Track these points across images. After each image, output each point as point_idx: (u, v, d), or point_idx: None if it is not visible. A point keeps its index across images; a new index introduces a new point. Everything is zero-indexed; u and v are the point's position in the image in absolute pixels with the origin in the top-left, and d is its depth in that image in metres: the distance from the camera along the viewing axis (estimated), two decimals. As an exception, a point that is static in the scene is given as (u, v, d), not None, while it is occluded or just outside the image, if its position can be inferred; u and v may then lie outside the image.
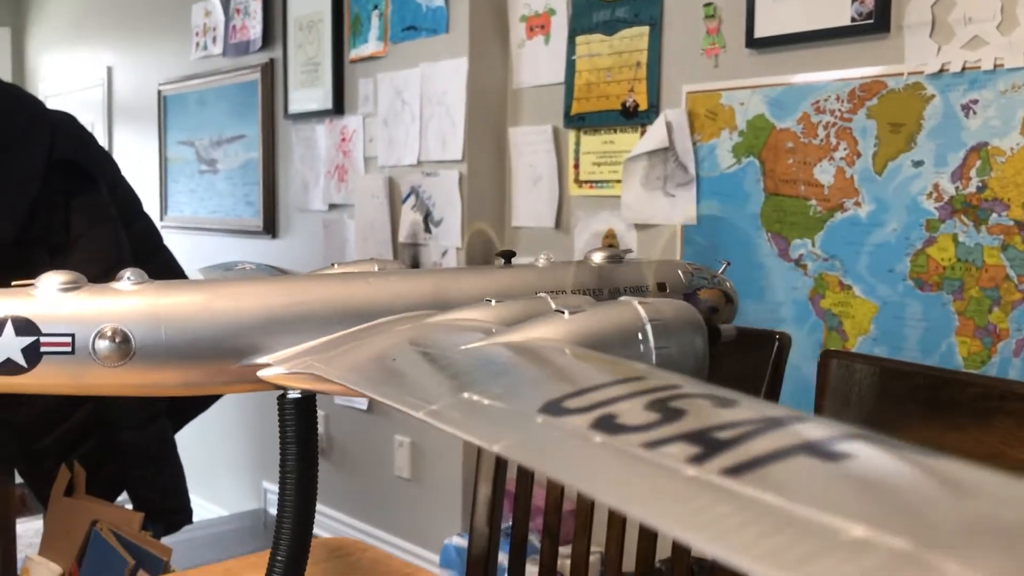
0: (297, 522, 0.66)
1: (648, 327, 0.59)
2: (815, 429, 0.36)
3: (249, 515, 4.01)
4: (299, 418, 0.65)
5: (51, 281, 0.63)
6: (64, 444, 2.20)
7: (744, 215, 2.42)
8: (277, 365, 0.61)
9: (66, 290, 0.63)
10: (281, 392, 0.65)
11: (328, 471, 3.56)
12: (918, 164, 2.10)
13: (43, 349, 0.60)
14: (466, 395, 0.47)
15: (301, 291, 0.65)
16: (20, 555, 2.58)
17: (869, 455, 0.34)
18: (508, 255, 0.80)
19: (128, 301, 0.62)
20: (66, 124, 2.20)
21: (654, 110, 2.60)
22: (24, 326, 0.61)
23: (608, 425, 0.40)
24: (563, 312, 0.58)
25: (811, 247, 2.30)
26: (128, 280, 0.64)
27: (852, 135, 2.21)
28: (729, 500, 0.32)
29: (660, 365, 0.58)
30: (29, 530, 2.87)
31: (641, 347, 0.59)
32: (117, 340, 0.59)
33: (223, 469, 4.17)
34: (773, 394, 1.20)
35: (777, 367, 1.18)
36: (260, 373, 0.61)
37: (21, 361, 0.59)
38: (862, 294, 2.21)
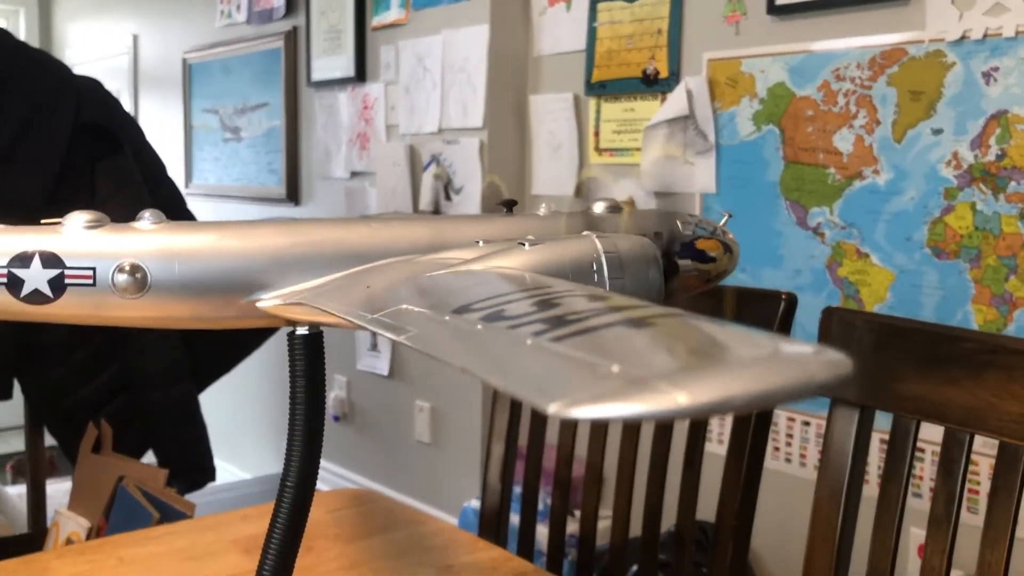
0: (304, 453, 0.69)
1: (603, 259, 0.65)
2: (637, 311, 0.48)
3: (271, 479, 4.08)
4: (306, 353, 0.68)
5: (77, 220, 0.68)
6: (92, 403, 2.25)
7: (763, 183, 2.42)
8: (276, 298, 0.64)
9: (90, 228, 0.67)
10: (291, 329, 0.68)
11: (349, 436, 3.61)
12: (937, 132, 2.09)
13: (67, 281, 0.65)
14: (404, 307, 0.55)
15: (307, 233, 0.68)
16: (50, 513, 2.66)
17: (668, 325, 0.46)
18: (510, 204, 0.82)
19: (145, 239, 0.67)
20: (92, 89, 2.24)
21: (674, 78, 2.60)
22: (50, 259, 0.65)
23: (493, 317, 0.51)
24: (524, 244, 0.64)
25: (829, 215, 2.30)
26: (147, 220, 0.68)
27: (872, 103, 2.20)
28: (546, 357, 0.44)
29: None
30: (59, 491, 2.95)
31: (595, 277, 0.65)
32: (135, 274, 0.63)
33: (247, 433, 4.24)
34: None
35: (783, 327, 1.19)
36: (259, 304, 0.65)
37: (47, 292, 0.64)
38: (879, 262, 2.21)
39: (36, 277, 0.65)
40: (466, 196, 3.12)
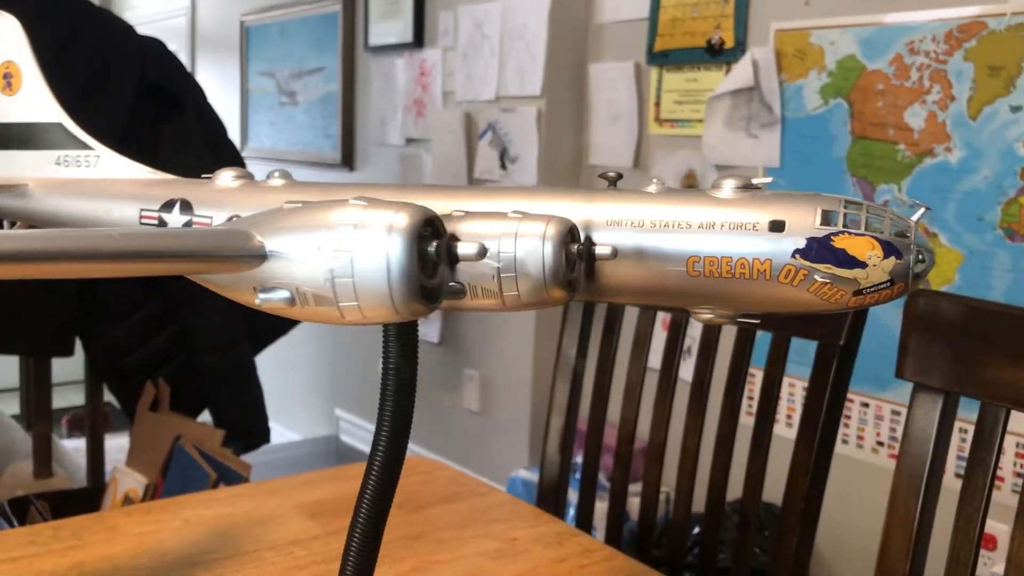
0: (390, 442, 0.67)
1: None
2: None
3: (322, 441, 4.13)
4: (399, 338, 0.67)
5: (224, 176, 0.79)
6: (150, 362, 2.28)
7: (829, 158, 2.37)
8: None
9: (229, 182, 0.79)
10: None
11: (398, 401, 3.63)
12: (1016, 109, 2.02)
13: (194, 225, 0.77)
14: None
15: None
16: (106, 468, 2.70)
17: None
18: (615, 179, 0.78)
19: (239, 195, 0.76)
20: (155, 49, 2.25)
21: (740, 48, 2.54)
22: (185, 206, 0.79)
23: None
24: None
25: (897, 193, 2.24)
26: (276, 177, 0.80)
27: (947, 78, 2.13)
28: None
29: (503, 265, 0.64)
30: (113, 446, 3.00)
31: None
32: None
33: (298, 396, 4.28)
34: (853, 337, 1.18)
35: (859, 311, 1.16)
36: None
37: None
38: (948, 242, 2.15)
39: (175, 220, 0.78)
40: (522, 165, 3.09)
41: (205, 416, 2.46)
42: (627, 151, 2.88)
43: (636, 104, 2.84)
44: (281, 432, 4.23)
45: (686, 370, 1.28)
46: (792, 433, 1.21)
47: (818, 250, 0.68)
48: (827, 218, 0.69)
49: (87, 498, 2.32)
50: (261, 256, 0.55)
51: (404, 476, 1.21)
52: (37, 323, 2.11)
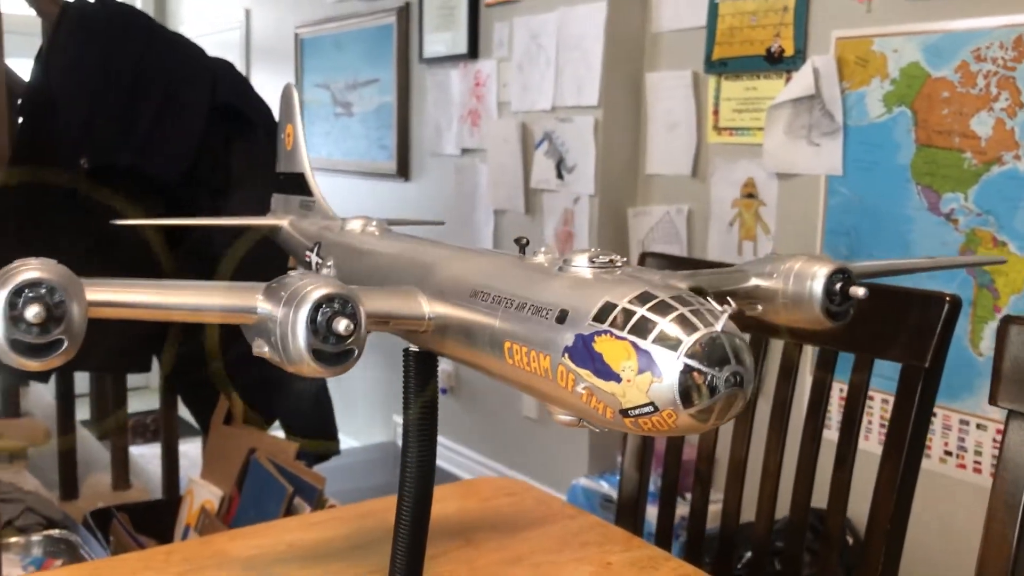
0: (418, 475, 0.76)
1: None
2: None
3: (380, 447, 4.18)
4: (417, 369, 0.77)
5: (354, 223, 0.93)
6: (224, 375, 2.33)
7: (893, 166, 2.35)
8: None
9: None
10: (406, 345, 0.77)
11: (457, 410, 3.67)
12: (1089, 116, 1.99)
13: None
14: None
15: None
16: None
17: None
18: (526, 244, 0.71)
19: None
20: (225, 70, 2.30)
21: (800, 56, 2.54)
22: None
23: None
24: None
25: (963, 201, 2.22)
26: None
27: (1015, 84, 2.11)
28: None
29: None
30: (189, 451, 3.06)
31: None
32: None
33: (357, 403, 4.34)
34: (938, 360, 1.18)
35: (945, 333, 1.16)
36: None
37: None
38: (1017, 251, 2.13)
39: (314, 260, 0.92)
40: (578, 175, 3.11)
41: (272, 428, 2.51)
42: (685, 160, 2.89)
43: (694, 113, 2.85)
44: (340, 439, 4.28)
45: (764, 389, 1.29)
46: (869, 447, 1.21)
47: (582, 351, 0.54)
48: (603, 310, 0.54)
49: (165, 510, 2.38)
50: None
51: (494, 497, 1.24)
52: (116, 340, 2.17)
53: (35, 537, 1.99)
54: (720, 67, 2.76)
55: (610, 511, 2.68)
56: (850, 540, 2.29)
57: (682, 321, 0.52)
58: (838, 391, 1.91)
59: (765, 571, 1.38)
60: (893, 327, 1.20)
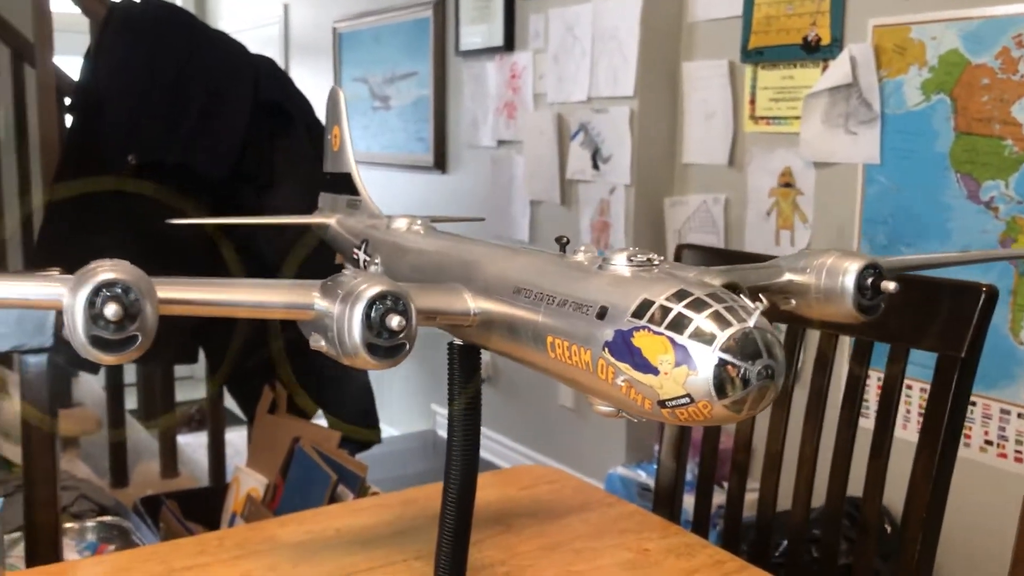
0: (463, 462, 0.81)
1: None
2: None
3: (418, 435, 4.23)
4: (461, 362, 0.78)
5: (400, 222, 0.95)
6: (267, 367, 2.38)
7: (932, 154, 2.34)
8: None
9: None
10: (451, 340, 0.79)
11: (495, 398, 3.71)
12: None
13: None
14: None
15: None
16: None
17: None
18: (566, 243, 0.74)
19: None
20: (268, 68, 2.35)
21: (837, 44, 2.53)
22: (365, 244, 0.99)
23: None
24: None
25: (1004, 189, 2.21)
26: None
27: (1057, 71, 2.09)
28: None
29: None
30: (234, 439, 3.13)
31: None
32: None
33: (396, 392, 4.39)
34: (974, 350, 1.19)
35: (982, 323, 1.17)
36: None
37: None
38: (1059, 239, 2.12)
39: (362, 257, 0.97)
40: (614, 166, 3.12)
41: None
42: (722, 149, 2.89)
43: (731, 102, 2.85)
44: (381, 428, 4.34)
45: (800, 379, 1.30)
46: (908, 435, 1.23)
47: (621, 346, 0.57)
48: (641, 307, 0.57)
49: (211, 497, 2.44)
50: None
51: (534, 486, 1.27)
52: (164, 332, 2.23)
53: (89, 523, 2.05)
54: (756, 56, 2.75)
55: (647, 499, 2.70)
56: (888, 529, 2.29)
57: (717, 317, 0.55)
58: (876, 380, 1.91)
59: (802, 559, 1.40)
60: (929, 317, 1.21)
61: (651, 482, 2.77)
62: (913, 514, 1.20)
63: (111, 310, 0.55)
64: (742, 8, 2.78)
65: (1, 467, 2.23)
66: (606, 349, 0.58)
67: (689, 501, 1.52)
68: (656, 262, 0.63)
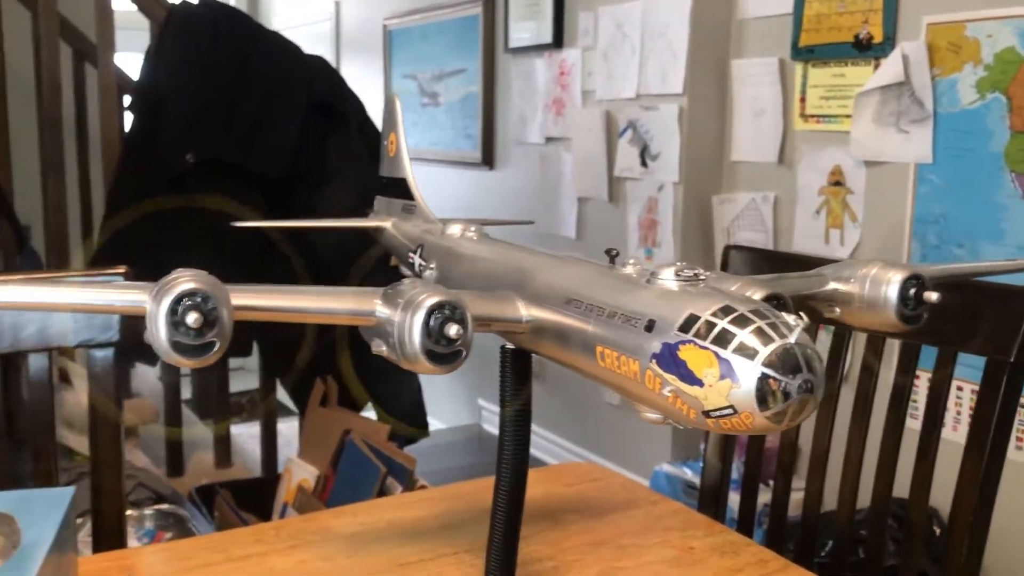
0: (513, 466, 0.84)
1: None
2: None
3: (464, 429, 4.28)
4: (512, 366, 0.80)
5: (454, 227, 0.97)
6: (320, 359, 2.43)
7: (985, 154, 2.32)
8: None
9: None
10: (503, 343, 0.81)
11: (541, 394, 3.72)
12: None
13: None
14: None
15: None
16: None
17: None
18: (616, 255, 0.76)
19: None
20: (320, 67, 2.39)
21: (889, 42, 2.51)
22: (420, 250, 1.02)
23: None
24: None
25: (1060, 189, 2.18)
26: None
27: (1116, 69, 2.06)
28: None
29: None
30: (285, 431, 3.19)
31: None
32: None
33: (442, 386, 4.44)
34: (1024, 355, 1.18)
35: (1033, 326, 1.16)
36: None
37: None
38: (1117, 240, 2.08)
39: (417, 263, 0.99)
40: (662, 163, 3.12)
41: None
42: (772, 147, 2.88)
43: (780, 100, 2.84)
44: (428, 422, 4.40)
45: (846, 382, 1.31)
46: (957, 437, 1.23)
47: (668, 358, 0.60)
48: (687, 322, 0.60)
49: (263, 487, 2.50)
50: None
51: (580, 483, 1.29)
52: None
53: (147, 511, 2.12)
54: (807, 54, 2.74)
55: (692, 498, 2.71)
56: (937, 531, 2.28)
57: (759, 333, 0.57)
58: (925, 381, 1.90)
59: (848, 560, 1.40)
60: (977, 321, 1.21)
61: (696, 480, 2.78)
62: (960, 517, 1.21)
63: (192, 318, 0.59)
64: (793, 5, 2.76)
65: (63, 455, 2.31)
66: (653, 360, 0.61)
67: (734, 500, 1.53)
68: (702, 277, 0.65)
